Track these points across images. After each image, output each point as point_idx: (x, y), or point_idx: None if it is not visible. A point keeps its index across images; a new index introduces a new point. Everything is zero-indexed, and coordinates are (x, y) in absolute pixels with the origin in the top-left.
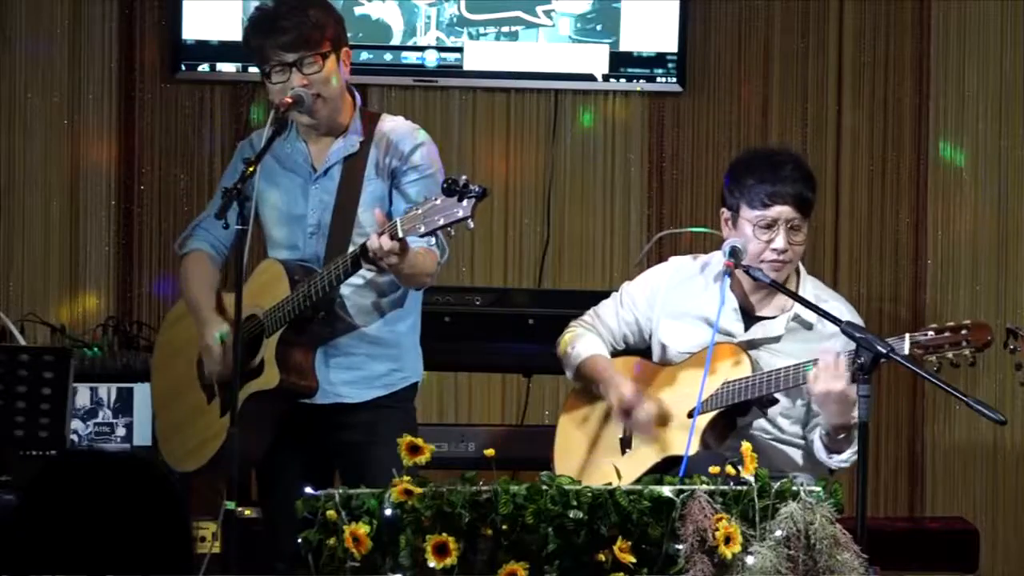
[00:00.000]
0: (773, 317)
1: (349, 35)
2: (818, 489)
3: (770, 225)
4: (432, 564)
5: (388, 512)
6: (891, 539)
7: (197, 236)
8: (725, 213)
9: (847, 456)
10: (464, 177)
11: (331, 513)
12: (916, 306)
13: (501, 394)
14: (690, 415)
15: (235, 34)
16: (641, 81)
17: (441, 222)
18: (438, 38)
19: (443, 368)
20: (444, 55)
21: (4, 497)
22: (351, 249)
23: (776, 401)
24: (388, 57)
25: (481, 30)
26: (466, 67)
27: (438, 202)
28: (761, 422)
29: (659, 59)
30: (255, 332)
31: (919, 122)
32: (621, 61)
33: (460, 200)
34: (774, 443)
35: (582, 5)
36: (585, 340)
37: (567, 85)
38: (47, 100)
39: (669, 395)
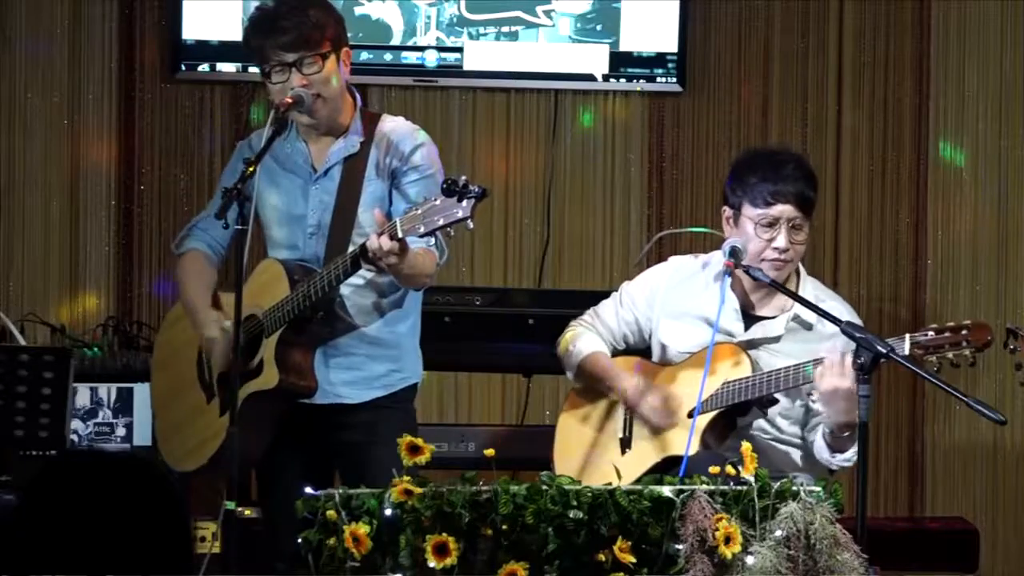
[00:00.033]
0: (773, 317)
1: (349, 35)
2: (818, 489)
3: (772, 224)
4: (432, 564)
5: (388, 512)
6: (891, 539)
7: (194, 236)
8: (727, 211)
9: (850, 455)
10: (464, 177)
11: (331, 513)
12: (916, 306)
13: (501, 394)
14: (690, 415)
15: (235, 34)
16: (641, 81)
17: (441, 222)
18: (438, 38)
19: (443, 368)
20: (444, 55)
21: (4, 497)
22: (351, 249)
23: (776, 401)
24: (388, 57)
25: (481, 30)
26: (466, 67)
27: (437, 202)
28: (760, 422)
29: (659, 59)
30: (255, 332)
31: (919, 122)
32: (621, 61)
33: (460, 200)
34: (773, 443)
35: (582, 5)
36: (586, 339)
37: (567, 85)
38: (47, 100)
39: (671, 393)
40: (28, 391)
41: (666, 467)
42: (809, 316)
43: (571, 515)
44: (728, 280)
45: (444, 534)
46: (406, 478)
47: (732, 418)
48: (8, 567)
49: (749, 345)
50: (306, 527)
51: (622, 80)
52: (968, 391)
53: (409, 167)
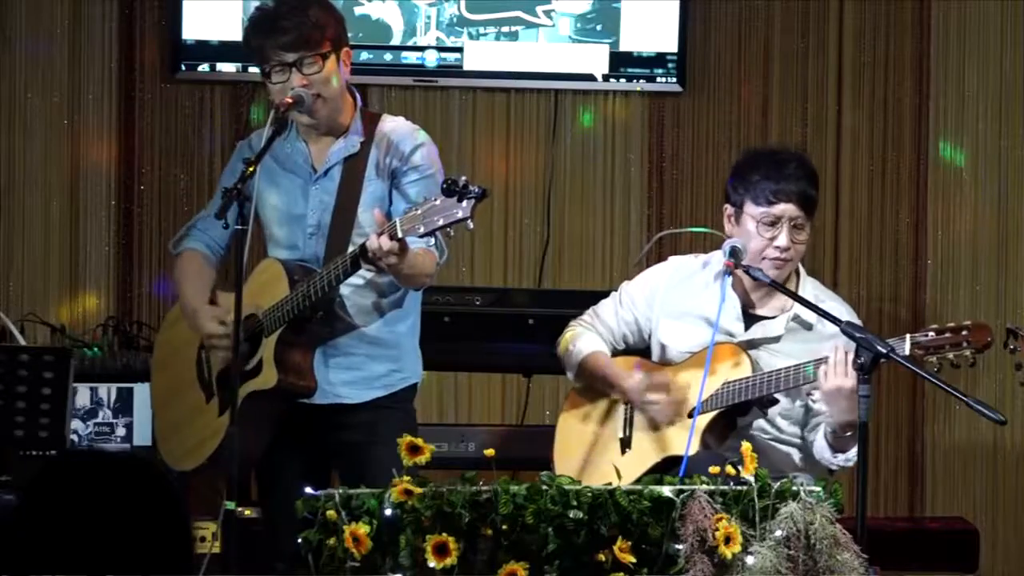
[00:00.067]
0: (773, 317)
1: (349, 35)
2: (818, 489)
3: (774, 222)
4: (432, 564)
5: (388, 512)
6: (891, 539)
7: (192, 236)
8: (728, 209)
9: (851, 455)
10: (464, 178)
11: (331, 513)
12: (916, 306)
13: (501, 394)
14: (690, 415)
15: (235, 34)
16: (641, 81)
17: (440, 222)
18: (438, 38)
19: (443, 368)
20: (444, 55)
21: (4, 497)
22: (351, 249)
23: (776, 401)
24: (388, 57)
25: (481, 30)
26: (466, 67)
27: (437, 202)
28: (760, 422)
29: (659, 59)
30: (254, 332)
31: (919, 122)
32: (621, 61)
33: (459, 200)
34: (773, 443)
35: (582, 5)
36: (585, 338)
37: (567, 85)
38: (47, 100)
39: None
40: (28, 391)
41: (666, 467)
42: (809, 316)
43: (571, 515)
44: (729, 280)
45: (444, 534)
46: (406, 478)
47: (732, 418)
48: (8, 567)
49: (749, 345)
50: (306, 527)
51: (622, 80)
52: (968, 391)
53: (409, 167)
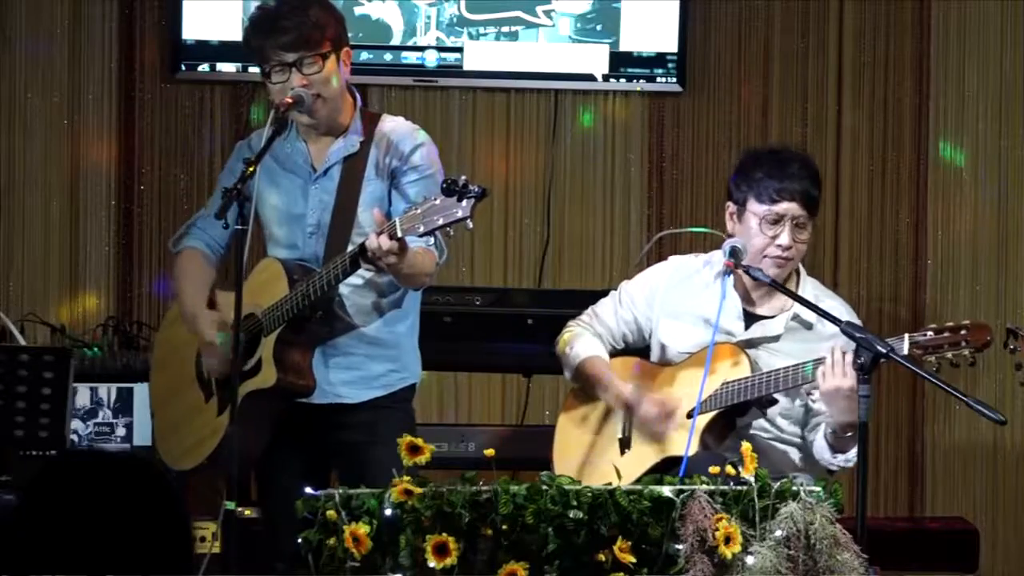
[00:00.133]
0: (773, 316)
1: (349, 35)
2: (818, 489)
3: (776, 221)
4: (432, 564)
5: (388, 512)
6: (891, 539)
7: (192, 235)
8: (731, 207)
9: (851, 455)
10: (463, 177)
11: (331, 513)
12: (916, 306)
13: (501, 394)
14: (689, 415)
15: (235, 34)
16: (641, 81)
17: (440, 222)
18: (438, 38)
19: (443, 368)
20: (444, 55)
21: (4, 497)
22: (350, 249)
23: (775, 401)
24: (388, 57)
25: (481, 30)
26: (466, 67)
27: (437, 202)
28: (760, 422)
29: (659, 59)
30: (253, 331)
31: (919, 122)
32: (621, 61)
33: (459, 200)
34: (773, 443)
35: (582, 5)
36: (583, 340)
37: (567, 85)
38: (47, 100)
39: (668, 395)
40: (28, 391)
41: (665, 467)
42: (809, 316)
43: (571, 515)
44: (730, 279)
45: (444, 534)
46: (406, 478)
47: (731, 418)
48: (8, 567)
49: (748, 344)
50: (306, 527)
51: (622, 80)
52: (968, 391)
53: (409, 167)
